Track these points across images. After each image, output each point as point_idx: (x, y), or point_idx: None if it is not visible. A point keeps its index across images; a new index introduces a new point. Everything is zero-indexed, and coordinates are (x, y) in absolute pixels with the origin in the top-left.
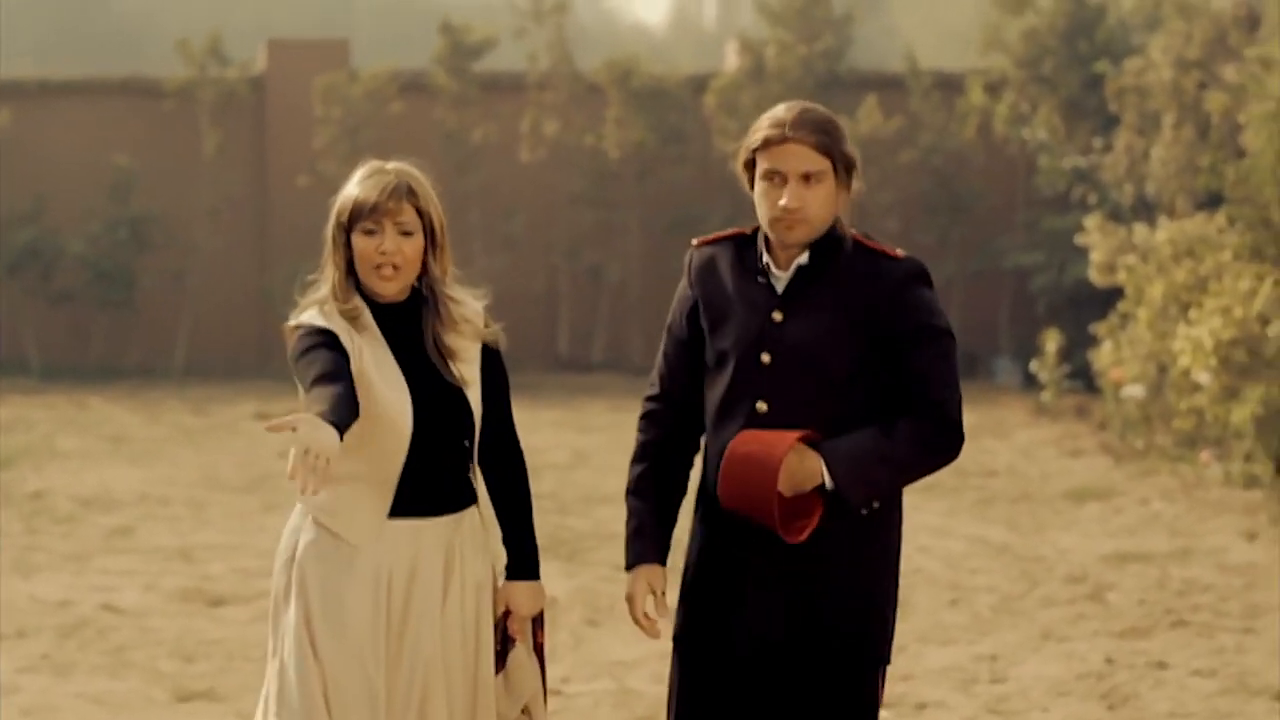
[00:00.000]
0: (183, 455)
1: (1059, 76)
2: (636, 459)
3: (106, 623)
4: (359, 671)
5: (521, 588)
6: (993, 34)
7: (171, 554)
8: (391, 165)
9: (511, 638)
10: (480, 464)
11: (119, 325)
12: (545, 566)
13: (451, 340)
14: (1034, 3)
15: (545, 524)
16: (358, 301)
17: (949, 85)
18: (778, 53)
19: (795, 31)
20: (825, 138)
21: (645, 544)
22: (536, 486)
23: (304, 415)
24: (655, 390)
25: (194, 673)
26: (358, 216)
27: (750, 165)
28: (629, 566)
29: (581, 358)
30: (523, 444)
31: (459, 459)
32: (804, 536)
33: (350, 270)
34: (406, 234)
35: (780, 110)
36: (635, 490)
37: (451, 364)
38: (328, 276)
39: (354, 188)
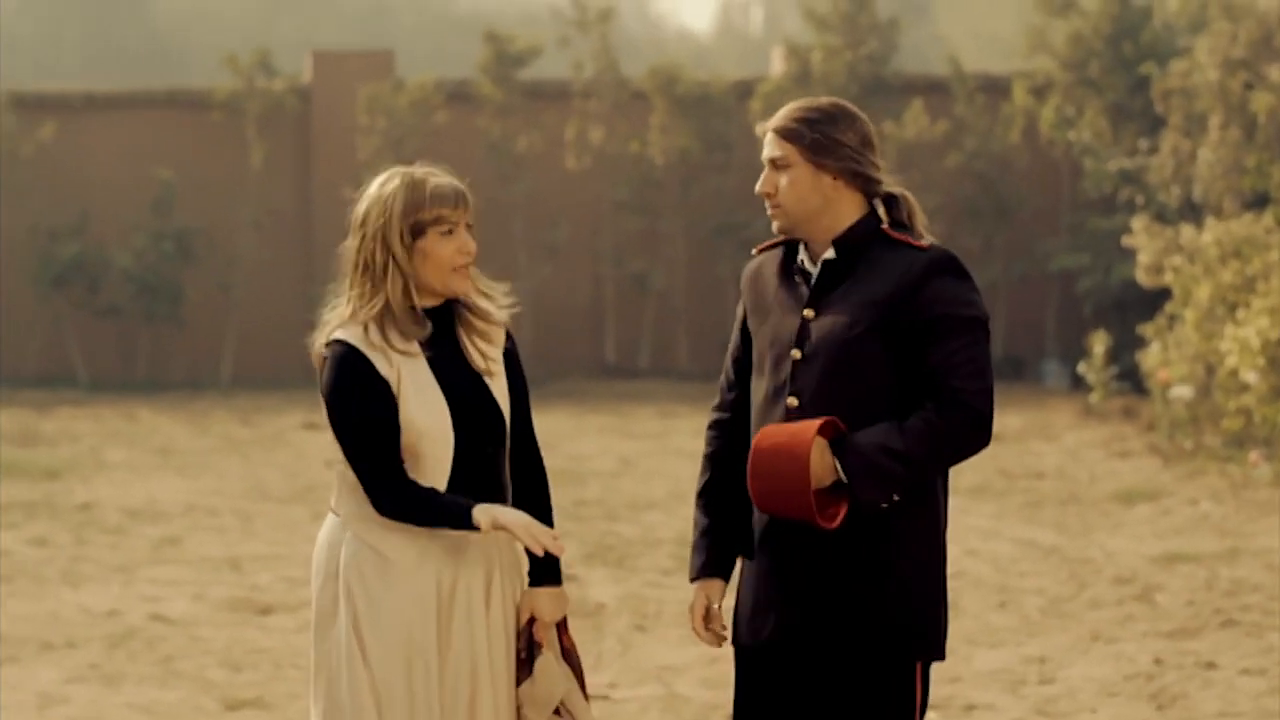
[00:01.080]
0: (230, 466)
1: (1104, 79)
2: (703, 469)
3: (155, 632)
4: (408, 682)
5: (544, 594)
6: (1037, 37)
7: (219, 564)
8: (422, 168)
9: (538, 644)
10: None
11: (165, 338)
12: (593, 573)
13: (483, 329)
14: (1079, 6)
15: (592, 530)
16: (426, 324)
17: (993, 89)
18: (823, 58)
19: (841, 37)
20: (792, 125)
21: (705, 556)
22: (583, 493)
23: (488, 512)
24: (718, 400)
25: (242, 681)
26: (437, 221)
27: None
28: (691, 579)
29: (628, 365)
30: (570, 451)
31: (495, 463)
32: (837, 523)
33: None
34: (469, 229)
35: None
36: (701, 502)
37: (486, 359)
38: (384, 292)
39: (420, 192)
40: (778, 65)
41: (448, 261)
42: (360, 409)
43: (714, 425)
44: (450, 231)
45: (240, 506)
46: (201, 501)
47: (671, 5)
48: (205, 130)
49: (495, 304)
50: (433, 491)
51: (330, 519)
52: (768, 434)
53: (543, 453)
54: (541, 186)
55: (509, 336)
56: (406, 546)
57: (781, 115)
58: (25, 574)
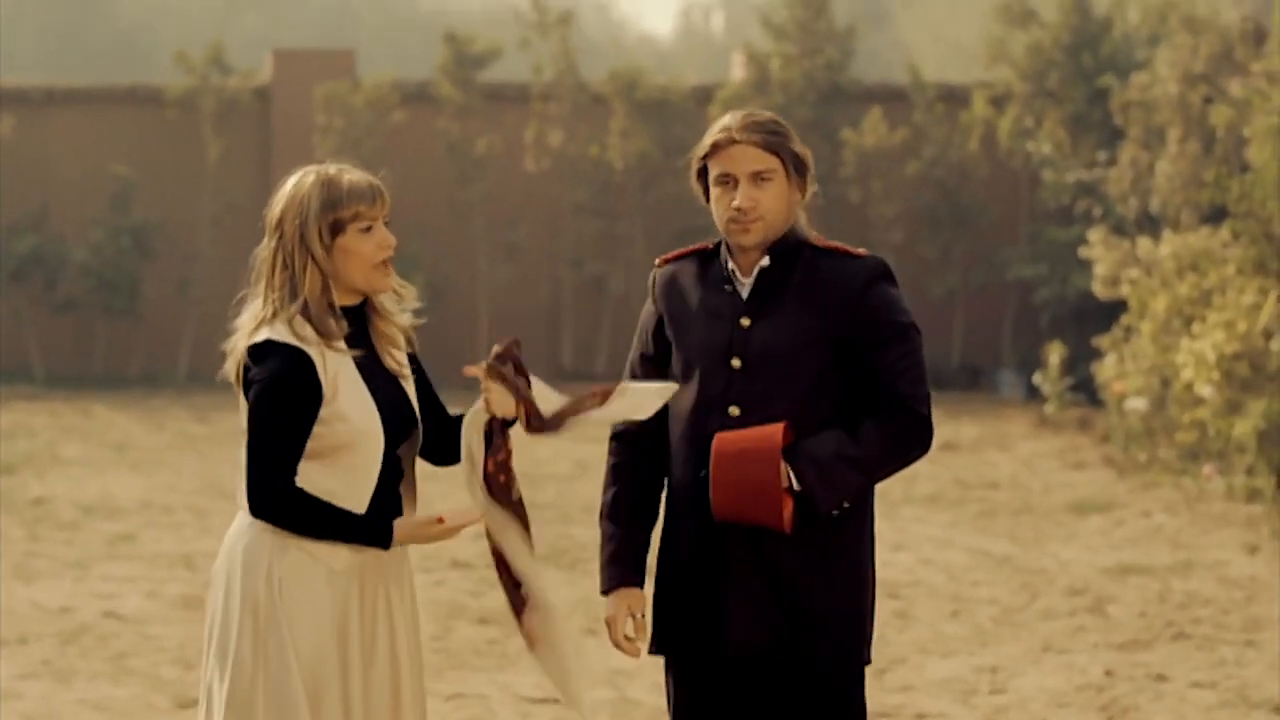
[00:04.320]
0: (186, 463)
1: (1063, 90)
2: (609, 482)
3: (108, 629)
4: (341, 681)
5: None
6: (997, 48)
7: (174, 561)
8: (335, 166)
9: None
10: (435, 454)
11: (122, 333)
12: (546, 575)
13: (390, 332)
14: (1039, 17)
15: (547, 534)
16: (343, 322)
17: (952, 98)
18: (782, 65)
19: (799, 44)
20: (771, 137)
21: (622, 568)
22: (538, 496)
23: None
24: None
25: (195, 680)
26: (356, 217)
27: (702, 176)
28: (606, 590)
29: (585, 368)
30: (525, 454)
31: (405, 463)
32: (789, 526)
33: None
34: (387, 224)
35: (725, 118)
36: (610, 514)
37: (397, 361)
38: (302, 293)
39: (336, 190)
40: (738, 71)
41: (369, 258)
42: (290, 407)
43: (619, 437)
44: (369, 228)
45: (195, 503)
46: (156, 498)
47: (633, 9)
48: (165, 126)
49: (402, 305)
50: (328, 505)
51: (249, 522)
52: (728, 439)
53: None
54: (501, 188)
55: (409, 342)
56: (344, 554)
57: (757, 127)
58: None
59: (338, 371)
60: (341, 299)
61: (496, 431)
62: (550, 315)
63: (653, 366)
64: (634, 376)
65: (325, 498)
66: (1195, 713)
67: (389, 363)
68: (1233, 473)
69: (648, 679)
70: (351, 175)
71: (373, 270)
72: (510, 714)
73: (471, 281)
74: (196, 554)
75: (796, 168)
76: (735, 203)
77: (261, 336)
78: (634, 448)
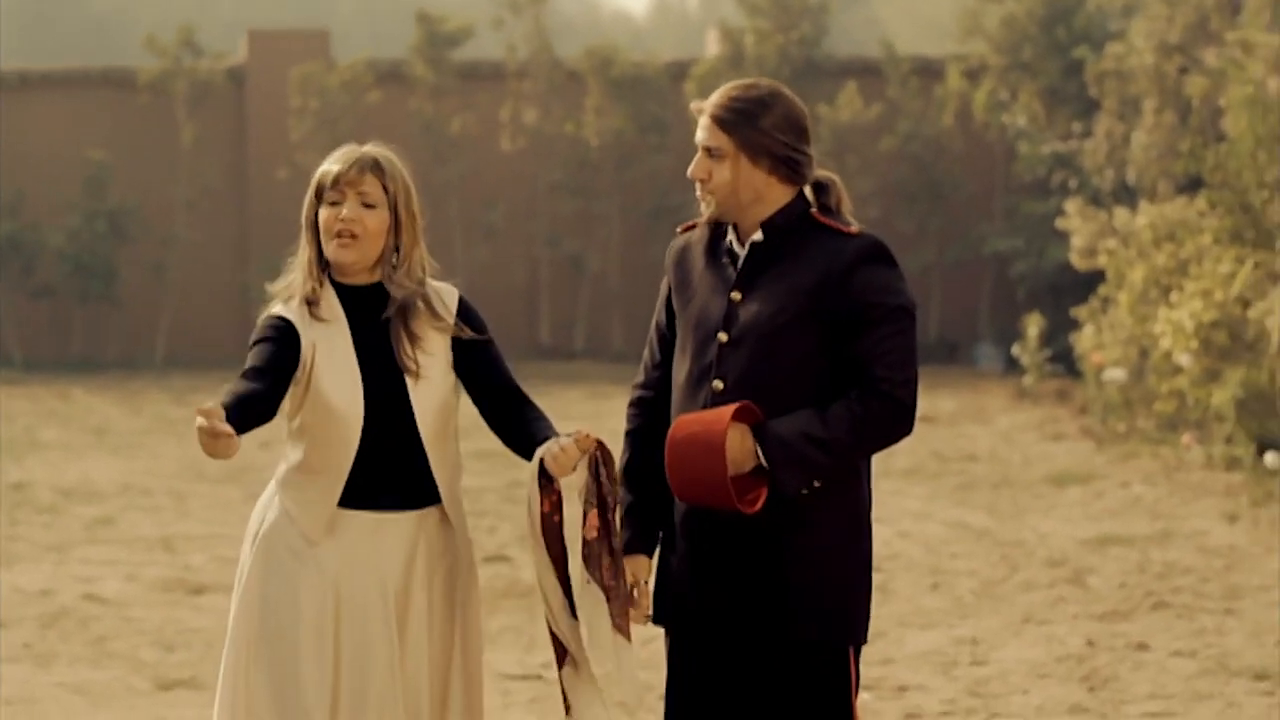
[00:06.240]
0: (164, 446)
1: (1038, 63)
2: (625, 447)
3: (88, 612)
4: (298, 664)
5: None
6: (971, 21)
7: (153, 544)
8: (367, 146)
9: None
10: (501, 427)
11: (100, 318)
12: (526, 554)
13: (415, 327)
14: None
15: (526, 512)
16: (318, 284)
17: (927, 72)
18: (756, 41)
19: (773, 20)
20: (728, 115)
21: (630, 533)
22: (518, 474)
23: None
24: (641, 378)
25: (175, 661)
26: (323, 189)
27: None
28: None
29: (563, 346)
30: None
31: (416, 451)
32: (758, 507)
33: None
34: (369, 206)
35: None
36: (623, 480)
37: (411, 351)
38: (300, 257)
39: (325, 164)
40: (713, 47)
41: (326, 230)
42: (258, 343)
43: (636, 403)
44: (336, 202)
45: (174, 486)
46: (135, 481)
47: None
48: (138, 110)
49: (434, 306)
50: (240, 386)
51: (272, 482)
52: (683, 424)
53: (477, 434)
54: (476, 168)
55: (474, 325)
56: (318, 520)
57: (718, 102)
58: None
59: (316, 343)
60: (351, 278)
61: (543, 474)
62: (528, 294)
63: (665, 338)
64: (650, 348)
65: (305, 470)
66: (1176, 682)
67: (401, 358)
68: (1211, 442)
69: (641, 655)
70: (345, 153)
71: (330, 242)
72: (491, 691)
73: (449, 262)
74: (175, 537)
75: (753, 149)
76: (688, 171)
77: (271, 310)
78: (651, 414)
